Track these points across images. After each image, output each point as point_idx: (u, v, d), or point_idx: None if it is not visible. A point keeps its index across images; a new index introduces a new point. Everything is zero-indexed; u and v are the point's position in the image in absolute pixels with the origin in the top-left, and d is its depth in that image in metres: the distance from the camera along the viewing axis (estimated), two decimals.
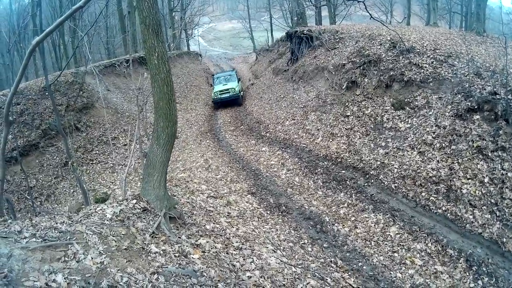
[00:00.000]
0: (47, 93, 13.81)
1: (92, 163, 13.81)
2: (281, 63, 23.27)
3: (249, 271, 4.78)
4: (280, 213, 8.23)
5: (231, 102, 21.59)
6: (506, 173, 6.73)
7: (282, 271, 5.18)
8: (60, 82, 15.28)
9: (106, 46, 33.89)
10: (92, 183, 12.59)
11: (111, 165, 13.49)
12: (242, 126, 16.63)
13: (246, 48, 51.22)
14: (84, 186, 8.41)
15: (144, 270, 3.65)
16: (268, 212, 8.26)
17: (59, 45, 25.78)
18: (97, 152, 14.35)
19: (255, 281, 4.50)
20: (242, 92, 22.87)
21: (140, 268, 3.65)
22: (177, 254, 4.35)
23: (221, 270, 4.46)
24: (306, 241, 7.05)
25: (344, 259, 6.54)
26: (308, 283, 5.06)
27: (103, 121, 15.22)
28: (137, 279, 3.43)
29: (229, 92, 21.34)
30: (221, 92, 21.47)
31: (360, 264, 6.41)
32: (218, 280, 4.13)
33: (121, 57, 23.78)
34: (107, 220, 4.35)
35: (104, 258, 3.50)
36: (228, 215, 7.03)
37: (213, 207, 7.17)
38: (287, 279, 4.99)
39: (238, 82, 22.50)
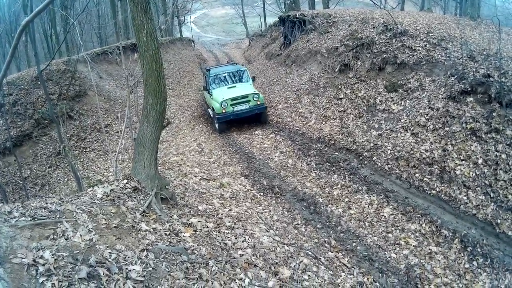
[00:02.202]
0: (39, 82, 13.70)
1: (85, 151, 13.74)
2: (274, 48, 23.14)
3: (241, 249, 4.77)
4: (273, 195, 8.22)
5: (252, 118, 13.37)
6: (500, 155, 6.71)
7: (275, 249, 5.17)
8: (52, 71, 15.16)
9: (98, 34, 33.59)
10: (86, 171, 12.51)
11: (105, 152, 13.42)
12: None
13: (239, 34, 50.85)
14: (78, 174, 8.37)
15: (133, 247, 3.63)
16: (261, 194, 8.24)
17: (51, 35, 25.50)
18: (91, 140, 14.27)
19: (247, 259, 4.49)
20: None
21: (130, 245, 3.63)
22: (167, 233, 4.33)
23: (212, 248, 4.44)
24: (299, 221, 7.04)
25: (338, 240, 6.54)
26: (301, 261, 5.06)
27: (96, 109, 15.08)
28: (126, 256, 3.42)
29: (249, 101, 12.71)
30: (235, 102, 12.63)
31: (354, 244, 6.41)
32: (209, 258, 4.11)
33: (113, 44, 23.59)
34: (98, 200, 4.34)
35: (93, 235, 3.49)
36: (221, 197, 7.01)
37: (206, 189, 7.14)
38: (280, 257, 4.99)
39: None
